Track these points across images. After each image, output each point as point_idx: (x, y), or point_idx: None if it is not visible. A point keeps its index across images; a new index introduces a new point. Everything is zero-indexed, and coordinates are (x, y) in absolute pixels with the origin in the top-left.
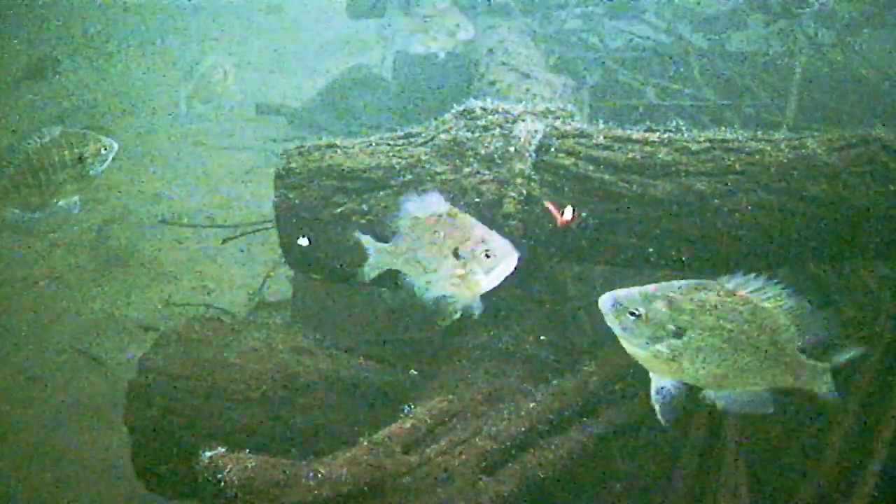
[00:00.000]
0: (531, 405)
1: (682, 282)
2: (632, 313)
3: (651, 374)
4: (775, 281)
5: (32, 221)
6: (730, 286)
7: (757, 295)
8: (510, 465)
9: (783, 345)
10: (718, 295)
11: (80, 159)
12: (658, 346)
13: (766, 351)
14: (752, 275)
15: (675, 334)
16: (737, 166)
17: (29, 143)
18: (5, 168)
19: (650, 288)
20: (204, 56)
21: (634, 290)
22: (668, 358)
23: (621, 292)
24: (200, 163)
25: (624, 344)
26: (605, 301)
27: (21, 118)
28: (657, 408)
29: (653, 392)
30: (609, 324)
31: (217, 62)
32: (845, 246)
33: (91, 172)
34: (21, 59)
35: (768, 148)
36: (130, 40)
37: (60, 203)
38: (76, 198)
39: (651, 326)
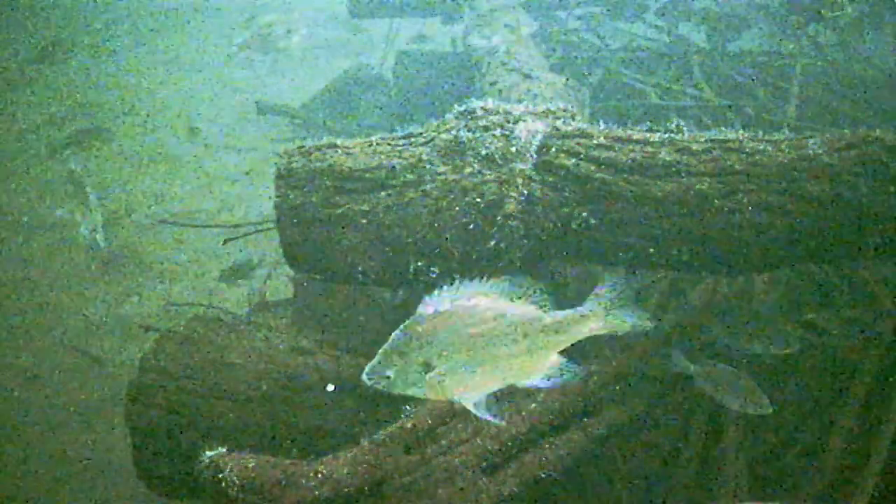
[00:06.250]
0: (531, 405)
1: (402, 325)
2: (386, 376)
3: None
4: (466, 280)
5: (97, 242)
6: (441, 307)
7: (465, 299)
8: (510, 465)
9: (532, 320)
10: (432, 318)
11: None
12: (432, 384)
13: (517, 334)
14: (447, 286)
15: (428, 366)
16: (737, 166)
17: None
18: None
19: (385, 346)
20: (264, 10)
21: (376, 356)
22: (450, 386)
23: (367, 367)
24: (200, 163)
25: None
26: (363, 380)
27: (22, 117)
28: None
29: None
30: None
31: (281, 19)
32: (845, 246)
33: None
34: (22, 54)
35: (769, 148)
36: (131, 40)
37: (97, 238)
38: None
39: (411, 373)
